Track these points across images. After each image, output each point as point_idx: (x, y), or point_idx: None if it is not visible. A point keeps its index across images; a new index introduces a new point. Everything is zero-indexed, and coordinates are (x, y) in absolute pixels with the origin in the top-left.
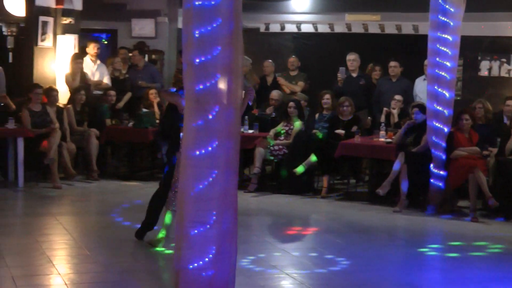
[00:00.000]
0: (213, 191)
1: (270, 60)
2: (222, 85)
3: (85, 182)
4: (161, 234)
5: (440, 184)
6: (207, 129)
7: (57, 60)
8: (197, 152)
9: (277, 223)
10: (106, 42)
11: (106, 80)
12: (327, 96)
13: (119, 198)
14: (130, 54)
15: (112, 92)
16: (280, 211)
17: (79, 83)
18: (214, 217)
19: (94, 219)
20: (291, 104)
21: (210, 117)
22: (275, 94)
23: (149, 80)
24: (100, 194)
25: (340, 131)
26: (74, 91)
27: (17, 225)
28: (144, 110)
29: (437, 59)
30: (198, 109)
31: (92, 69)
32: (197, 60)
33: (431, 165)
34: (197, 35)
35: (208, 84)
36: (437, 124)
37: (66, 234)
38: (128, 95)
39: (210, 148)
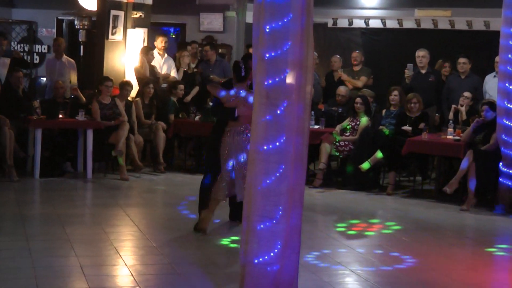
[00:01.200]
0: (281, 186)
1: (338, 56)
2: (291, 80)
3: (152, 175)
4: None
5: (510, 183)
6: (276, 124)
7: (127, 53)
8: (265, 147)
9: (342, 219)
10: (173, 36)
11: (174, 73)
12: (396, 92)
13: (186, 190)
14: (200, 49)
15: (181, 86)
16: (345, 207)
17: (148, 76)
18: (281, 212)
19: (161, 211)
20: (358, 100)
21: (279, 112)
22: (342, 89)
23: (221, 74)
24: (167, 187)
25: (408, 128)
26: (142, 84)
27: (86, 215)
28: (211, 103)
29: (510, 55)
30: (267, 104)
31: (160, 62)
32: (267, 55)
33: (501, 164)
34: (267, 30)
35: (277, 79)
36: (507, 122)
37: (133, 226)
38: (196, 89)
39: (278, 143)
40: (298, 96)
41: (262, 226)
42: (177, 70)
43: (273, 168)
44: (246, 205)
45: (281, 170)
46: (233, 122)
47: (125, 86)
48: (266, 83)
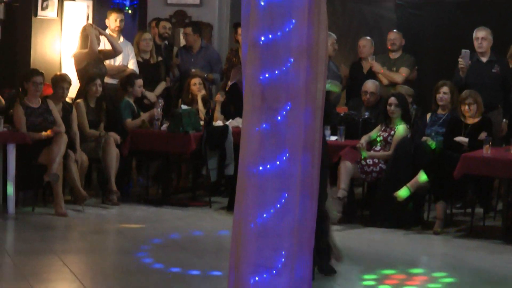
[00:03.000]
0: (283, 222)
1: (368, 37)
2: (296, 73)
3: (100, 208)
4: None
5: None
6: (275, 136)
7: (64, 36)
8: (261, 168)
9: (371, 268)
10: (130, 12)
11: (132, 65)
12: (445, 89)
13: (148, 230)
14: (167, 30)
15: (139, 81)
16: (374, 252)
17: (94, 69)
18: (284, 260)
19: (114, 261)
20: (392, 100)
21: (280, 118)
22: (370, 85)
23: (206, 68)
24: (121, 225)
25: (463, 139)
26: (86, 81)
27: (6, 266)
28: (184, 107)
29: None
30: (263, 107)
31: None
32: (263, 39)
33: None
34: (263, 4)
35: (277, 72)
36: None
37: (74, 281)
38: (161, 86)
39: (278, 163)
40: (306, 96)
41: (257, 279)
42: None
43: (272, 197)
44: (234, 250)
45: (283, 200)
46: None
47: (60, 82)
48: (261, 78)
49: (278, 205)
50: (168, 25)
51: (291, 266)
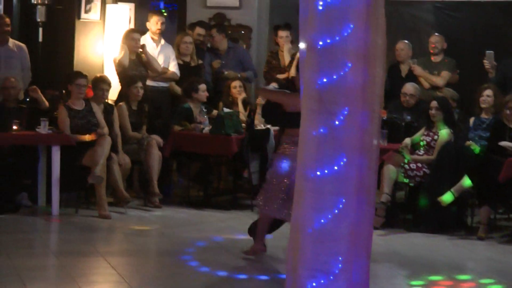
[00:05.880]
0: (340, 227)
1: (406, 41)
2: (354, 77)
3: (142, 210)
4: None
5: None
6: (333, 140)
7: (106, 38)
8: (318, 173)
9: (416, 274)
10: (166, 14)
11: (173, 67)
12: (488, 92)
13: (192, 232)
14: (201, 37)
15: (203, 87)
16: (419, 256)
17: (134, 72)
18: (341, 265)
19: (158, 262)
20: (434, 103)
21: (337, 123)
22: (410, 88)
23: (237, 67)
24: (164, 227)
25: (507, 144)
26: (128, 83)
27: (51, 268)
28: (225, 110)
29: None
30: (321, 111)
31: (154, 51)
32: (321, 43)
33: None
34: (320, 8)
35: (335, 77)
36: None
37: (121, 283)
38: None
39: (336, 167)
40: (364, 100)
41: (314, 284)
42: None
43: (329, 201)
44: (291, 254)
45: (340, 205)
46: (292, 130)
47: (99, 83)
48: (318, 82)
49: (336, 210)
50: (202, 32)
51: (348, 271)
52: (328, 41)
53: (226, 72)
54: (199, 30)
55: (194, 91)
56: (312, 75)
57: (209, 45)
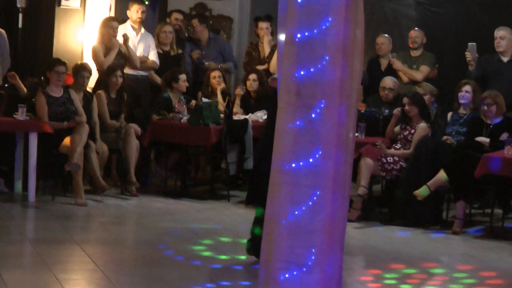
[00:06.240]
0: (315, 220)
1: (386, 35)
2: (332, 71)
3: (119, 199)
4: None
5: None
6: (309, 133)
7: (87, 26)
8: (294, 165)
9: (390, 268)
10: (147, 3)
11: (153, 56)
12: (467, 87)
13: (168, 222)
14: (179, 22)
15: (183, 77)
16: (394, 250)
17: (114, 60)
18: (314, 258)
19: (134, 251)
20: (406, 100)
21: (314, 116)
22: (389, 81)
23: (218, 58)
24: (140, 216)
25: (484, 139)
26: (107, 71)
27: (27, 255)
28: (204, 100)
29: None
30: (298, 104)
31: (134, 40)
32: (299, 36)
33: None
34: (299, 0)
35: (312, 70)
36: None
37: (96, 271)
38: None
39: (311, 160)
40: (341, 94)
41: (287, 275)
42: None
43: (304, 194)
44: (265, 246)
45: (315, 198)
46: None
47: (80, 71)
48: (296, 75)
49: (310, 203)
50: (180, 16)
51: (321, 263)
52: (307, 34)
53: (206, 63)
54: (176, 15)
55: (174, 80)
56: (290, 67)
57: (186, 34)
